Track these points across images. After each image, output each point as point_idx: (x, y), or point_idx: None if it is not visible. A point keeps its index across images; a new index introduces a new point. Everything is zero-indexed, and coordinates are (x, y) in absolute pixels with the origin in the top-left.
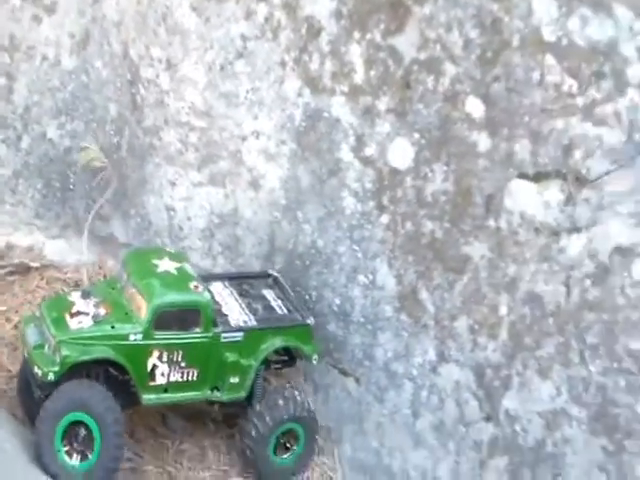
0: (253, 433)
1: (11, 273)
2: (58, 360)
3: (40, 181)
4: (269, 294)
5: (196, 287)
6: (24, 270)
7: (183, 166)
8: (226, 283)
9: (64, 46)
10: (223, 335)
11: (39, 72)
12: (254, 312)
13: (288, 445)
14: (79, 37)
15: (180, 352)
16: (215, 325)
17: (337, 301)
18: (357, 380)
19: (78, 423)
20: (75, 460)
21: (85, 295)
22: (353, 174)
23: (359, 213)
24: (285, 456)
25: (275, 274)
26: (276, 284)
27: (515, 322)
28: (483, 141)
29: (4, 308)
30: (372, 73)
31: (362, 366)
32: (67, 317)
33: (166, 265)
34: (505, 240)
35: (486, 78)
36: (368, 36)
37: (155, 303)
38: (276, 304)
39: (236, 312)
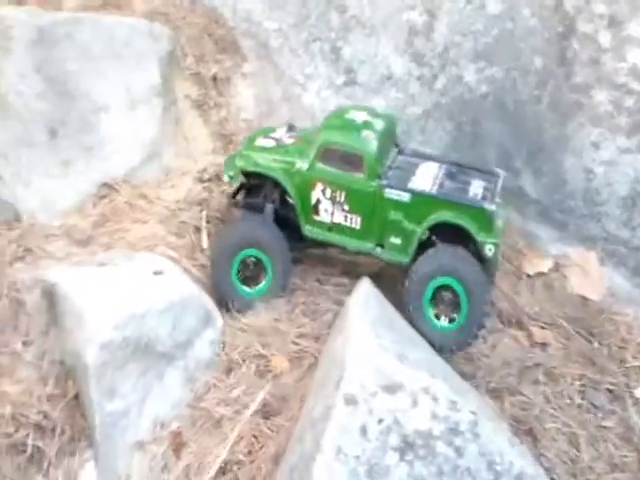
0: (407, 284)
1: None
2: (235, 166)
3: (450, 123)
4: (477, 183)
5: (366, 137)
6: None
7: (611, 129)
8: (444, 166)
9: None
10: (387, 190)
11: (462, 14)
12: (442, 187)
13: (450, 313)
14: None
15: (343, 193)
16: (380, 177)
17: None
18: None
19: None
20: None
21: (289, 129)
22: None
23: None
24: (446, 322)
25: (501, 173)
26: (494, 182)
27: None
28: None
29: None
30: None
31: None
32: (260, 138)
33: (358, 116)
34: None
35: None
36: None
37: (322, 138)
38: (474, 191)
39: (422, 182)
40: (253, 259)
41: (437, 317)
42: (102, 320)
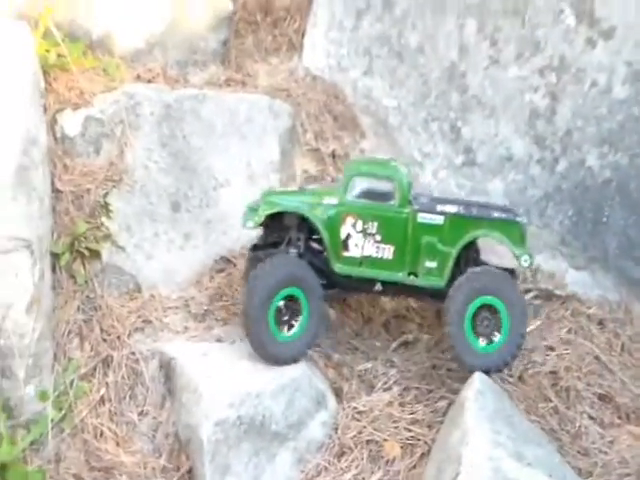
0: (447, 304)
1: (536, 297)
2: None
3: (571, 208)
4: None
5: (395, 165)
6: (546, 296)
7: None
8: (462, 206)
9: (618, 74)
10: (420, 215)
11: (586, 97)
12: (467, 209)
13: (489, 330)
14: (636, 67)
15: (375, 223)
16: (412, 204)
17: None
18: None
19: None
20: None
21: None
22: None
23: None
24: (485, 343)
25: (519, 215)
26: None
27: None
28: None
29: None
30: None
31: None
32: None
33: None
34: None
35: None
36: None
37: (351, 171)
38: (496, 211)
39: (449, 206)
40: (287, 301)
41: (477, 338)
42: (218, 397)
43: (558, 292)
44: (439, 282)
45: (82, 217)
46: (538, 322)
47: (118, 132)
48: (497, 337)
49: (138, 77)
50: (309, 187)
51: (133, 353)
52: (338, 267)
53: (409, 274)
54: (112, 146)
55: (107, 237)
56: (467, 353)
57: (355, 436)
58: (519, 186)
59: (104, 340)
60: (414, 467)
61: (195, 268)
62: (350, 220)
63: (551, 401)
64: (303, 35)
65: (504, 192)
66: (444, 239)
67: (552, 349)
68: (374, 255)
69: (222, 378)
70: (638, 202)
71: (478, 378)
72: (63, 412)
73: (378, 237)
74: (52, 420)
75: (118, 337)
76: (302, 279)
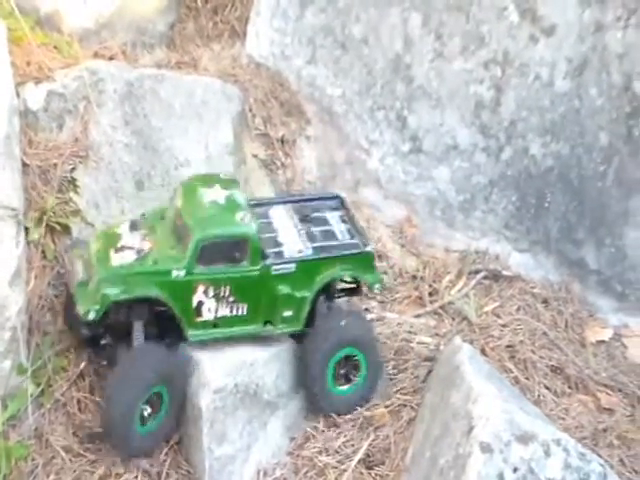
0: (309, 358)
1: (485, 277)
2: (99, 298)
3: (515, 194)
4: (333, 217)
5: (242, 218)
6: (494, 277)
7: None
8: (289, 207)
9: (559, 68)
10: (274, 267)
11: (530, 89)
12: (312, 239)
13: (350, 376)
14: (576, 62)
15: (227, 287)
16: (264, 257)
17: None
18: None
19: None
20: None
21: (133, 227)
22: None
23: None
24: (345, 387)
25: (341, 195)
26: (342, 206)
27: None
28: None
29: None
30: None
31: None
32: (111, 252)
33: (215, 194)
34: None
35: None
36: None
37: (197, 237)
38: (338, 229)
39: (292, 240)
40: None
41: (338, 384)
42: (216, 365)
43: (505, 273)
44: (296, 327)
45: (50, 192)
46: (496, 303)
47: (81, 108)
48: (355, 378)
49: (96, 54)
50: (144, 231)
51: None
52: (192, 334)
53: (264, 323)
54: (76, 122)
55: (76, 213)
56: (330, 400)
57: None
58: (465, 173)
59: None
60: (402, 432)
61: None
62: (201, 288)
63: (512, 372)
64: (246, 22)
65: (450, 179)
66: (298, 285)
67: (505, 326)
68: (229, 315)
69: (217, 346)
70: (578, 189)
71: (464, 346)
72: (41, 387)
73: (231, 298)
74: (31, 395)
75: None
76: (169, 376)
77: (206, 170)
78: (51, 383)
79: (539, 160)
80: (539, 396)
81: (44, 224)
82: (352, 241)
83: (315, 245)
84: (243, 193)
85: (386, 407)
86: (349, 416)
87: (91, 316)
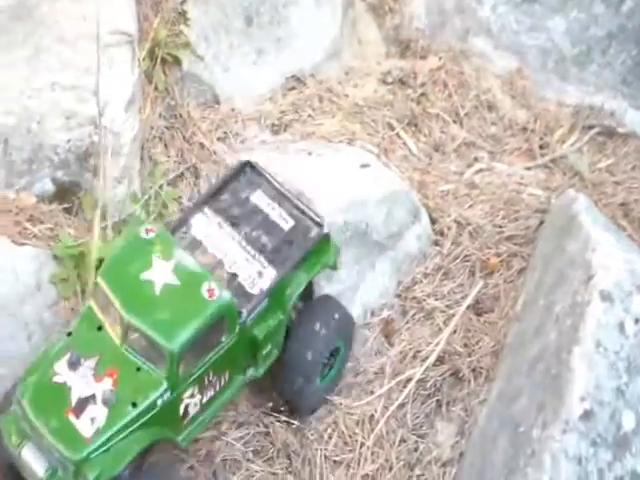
0: (308, 357)
1: (599, 134)
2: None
3: (635, 48)
4: (261, 200)
5: (210, 289)
6: (608, 133)
7: None
8: (209, 212)
9: None
10: (249, 319)
11: None
12: (260, 248)
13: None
14: None
15: (210, 372)
16: (239, 315)
17: None
18: None
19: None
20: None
21: (74, 365)
22: None
23: None
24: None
25: (250, 161)
26: (258, 175)
27: None
28: None
29: None
30: None
31: None
32: (70, 418)
33: (160, 273)
34: None
35: None
36: None
37: (170, 351)
38: (276, 214)
39: (243, 266)
40: None
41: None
42: (325, 201)
43: (620, 130)
44: (278, 354)
45: (161, 23)
46: (610, 160)
47: None
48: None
49: None
50: (74, 330)
51: (216, 162)
52: (183, 440)
53: (245, 370)
54: None
55: (187, 45)
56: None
57: (451, 249)
58: (582, 24)
59: (188, 149)
60: (512, 281)
61: (268, 84)
62: (187, 394)
63: (625, 230)
64: None
65: (565, 30)
66: (270, 314)
67: (619, 184)
68: (213, 394)
69: (326, 187)
70: None
71: (580, 196)
72: (153, 216)
73: (214, 379)
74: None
75: (201, 145)
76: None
77: (313, 10)
78: (162, 213)
79: None
80: None
81: (156, 55)
82: (301, 226)
83: (269, 256)
84: (176, 243)
85: (497, 256)
86: (458, 261)
87: None
